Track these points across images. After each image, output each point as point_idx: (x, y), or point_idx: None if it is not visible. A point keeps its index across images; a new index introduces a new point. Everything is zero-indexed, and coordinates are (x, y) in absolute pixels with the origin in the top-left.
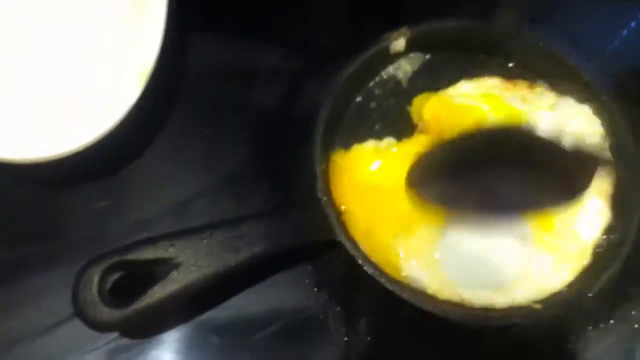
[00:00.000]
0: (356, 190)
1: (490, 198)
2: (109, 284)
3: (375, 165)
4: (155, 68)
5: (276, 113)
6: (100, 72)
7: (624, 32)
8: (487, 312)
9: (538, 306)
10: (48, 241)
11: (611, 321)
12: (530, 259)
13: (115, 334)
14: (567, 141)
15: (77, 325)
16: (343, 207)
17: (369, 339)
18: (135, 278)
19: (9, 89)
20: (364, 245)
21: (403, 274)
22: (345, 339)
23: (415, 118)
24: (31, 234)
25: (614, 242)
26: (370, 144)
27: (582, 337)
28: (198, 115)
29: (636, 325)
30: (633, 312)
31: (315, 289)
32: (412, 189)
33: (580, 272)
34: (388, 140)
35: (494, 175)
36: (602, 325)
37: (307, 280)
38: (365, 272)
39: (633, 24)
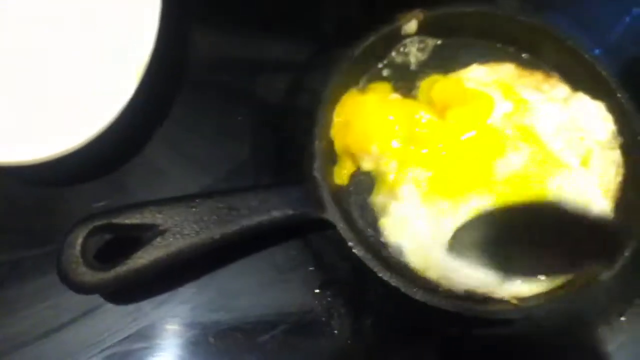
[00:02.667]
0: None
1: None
2: (94, 246)
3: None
4: (154, 62)
5: (280, 106)
6: (96, 68)
7: (627, 18)
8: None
9: (515, 301)
10: (48, 243)
11: (622, 318)
12: None
13: (116, 339)
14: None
15: (77, 330)
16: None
17: (371, 339)
18: (128, 243)
19: (6, 91)
20: None
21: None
22: (349, 341)
23: (422, 99)
24: (31, 237)
25: None
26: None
27: (593, 334)
28: (199, 109)
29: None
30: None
31: (319, 290)
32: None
33: (572, 276)
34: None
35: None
36: (614, 322)
37: (310, 282)
38: (365, 265)
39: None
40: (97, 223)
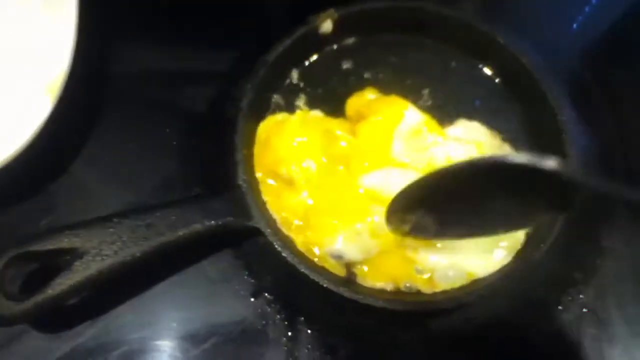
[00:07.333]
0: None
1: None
2: (18, 276)
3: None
4: (73, 79)
5: (205, 116)
6: (6, 90)
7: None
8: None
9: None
10: None
11: (559, 307)
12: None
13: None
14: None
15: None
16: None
17: (309, 346)
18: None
19: None
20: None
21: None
22: (285, 348)
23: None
24: None
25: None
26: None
27: (531, 323)
28: (124, 124)
29: (584, 310)
30: (581, 296)
31: (252, 299)
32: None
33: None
34: (315, 113)
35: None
36: (550, 312)
37: (243, 291)
38: (297, 270)
39: (587, 8)
40: (13, 253)
